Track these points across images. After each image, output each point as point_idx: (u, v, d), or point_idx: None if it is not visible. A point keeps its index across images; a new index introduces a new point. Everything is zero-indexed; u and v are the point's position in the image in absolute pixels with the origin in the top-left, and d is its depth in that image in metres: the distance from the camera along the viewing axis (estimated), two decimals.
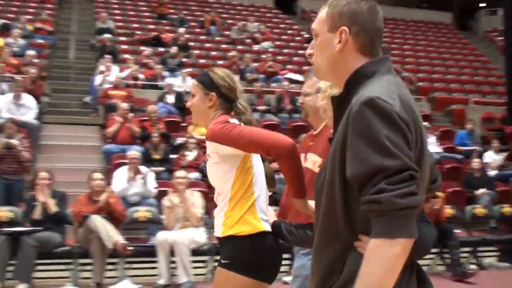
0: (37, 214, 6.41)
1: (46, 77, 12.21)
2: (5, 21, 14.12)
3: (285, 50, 16.69)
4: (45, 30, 14.27)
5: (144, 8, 18.01)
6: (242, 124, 2.67)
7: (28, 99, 9.82)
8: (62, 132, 10.98)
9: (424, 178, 1.61)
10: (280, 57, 15.69)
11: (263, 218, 2.63)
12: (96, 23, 15.44)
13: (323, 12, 1.75)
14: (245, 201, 2.63)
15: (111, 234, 6.26)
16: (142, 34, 15.36)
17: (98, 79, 11.84)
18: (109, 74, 11.79)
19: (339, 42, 1.69)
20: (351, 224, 1.57)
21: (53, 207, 6.43)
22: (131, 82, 12.25)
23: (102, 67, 12.07)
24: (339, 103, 1.69)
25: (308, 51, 1.79)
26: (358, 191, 1.50)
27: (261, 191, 2.68)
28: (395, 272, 1.43)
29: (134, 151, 8.24)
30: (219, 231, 2.65)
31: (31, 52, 11.97)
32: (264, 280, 2.59)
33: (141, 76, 12.63)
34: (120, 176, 7.92)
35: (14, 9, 15.75)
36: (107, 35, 14.07)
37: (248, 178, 2.65)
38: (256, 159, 2.70)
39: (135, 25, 16.24)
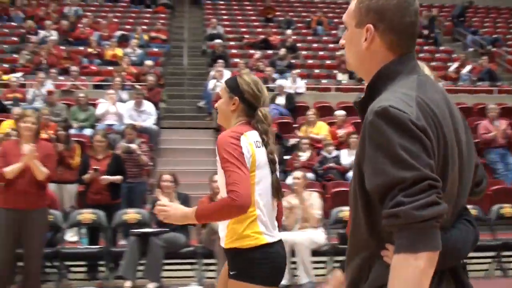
0: None
1: (164, 84, 12.76)
2: (123, 32, 14.91)
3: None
4: (160, 39, 14.93)
5: (251, 12, 18.32)
6: (252, 142, 2.72)
7: (148, 106, 10.30)
8: (178, 136, 11.43)
9: (455, 184, 1.54)
10: None
11: (265, 232, 2.72)
12: (206, 29, 15.93)
13: (352, 4, 1.68)
14: (245, 217, 2.69)
15: None
16: (251, 38, 15.64)
17: (211, 84, 12.19)
18: (221, 79, 12.09)
19: (366, 39, 1.62)
20: (376, 233, 1.53)
21: None
22: None
23: (214, 72, 12.41)
24: (363, 108, 1.60)
25: (341, 42, 1.73)
26: (379, 204, 1.45)
27: (264, 206, 2.75)
28: (422, 286, 1.38)
29: None
30: (223, 242, 2.79)
31: (148, 62, 12.53)
32: (271, 285, 2.73)
33: None
34: None
35: (130, 20, 16.61)
36: (217, 41, 14.45)
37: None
38: (261, 177, 2.74)
39: (243, 29, 16.57)
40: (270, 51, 14.63)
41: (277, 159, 2.86)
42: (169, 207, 2.78)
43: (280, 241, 2.80)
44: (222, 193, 2.74)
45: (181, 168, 9.92)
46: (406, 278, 1.37)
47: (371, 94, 1.60)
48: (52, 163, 5.32)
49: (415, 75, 1.58)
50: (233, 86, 2.84)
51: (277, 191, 2.81)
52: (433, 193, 1.39)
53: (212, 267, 6.80)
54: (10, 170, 5.02)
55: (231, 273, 2.74)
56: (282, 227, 3.02)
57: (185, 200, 6.89)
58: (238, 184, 2.56)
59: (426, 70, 2.26)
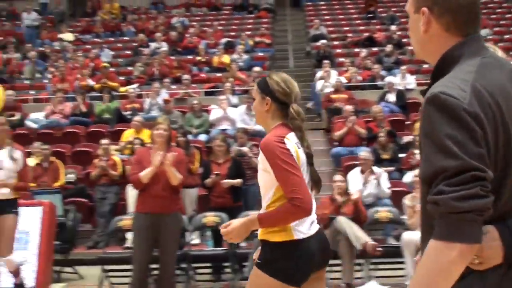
0: None
1: None
2: (228, 39, 15.26)
3: (506, 36, 15.57)
4: (264, 43, 15.14)
5: (353, 10, 18.15)
6: (294, 144, 2.76)
7: None
8: None
9: None
10: (501, 44, 14.65)
11: (296, 228, 2.73)
12: (309, 30, 15.95)
13: None
14: None
15: (359, 235, 6.36)
16: (354, 36, 15.48)
17: (318, 85, 12.18)
18: (329, 79, 12.07)
19: (423, 23, 1.60)
20: None
21: None
22: (351, 84, 12.37)
23: (321, 73, 12.39)
24: None
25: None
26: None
27: None
28: (449, 276, 1.39)
29: (366, 152, 8.30)
30: (258, 232, 2.84)
31: (256, 69, 12.69)
32: (291, 284, 2.73)
33: (359, 77, 12.71)
34: (354, 178, 8.03)
35: (234, 27, 16.97)
36: (322, 41, 14.43)
37: None
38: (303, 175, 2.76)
39: (346, 28, 16.44)
40: (375, 49, 14.43)
41: (312, 153, 2.92)
42: (229, 228, 2.82)
43: (315, 235, 2.79)
44: (264, 194, 2.81)
45: None
46: (435, 265, 1.39)
47: (436, 80, 1.57)
48: (184, 169, 5.54)
49: (478, 57, 1.54)
50: (263, 87, 2.90)
51: (317, 183, 2.86)
52: (477, 185, 1.37)
53: (336, 268, 6.77)
54: (144, 174, 5.27)
55: (257, 261, 2.80)
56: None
57: None
58: (298, 189, 2.64)
59: (499, 54, 2.16)
